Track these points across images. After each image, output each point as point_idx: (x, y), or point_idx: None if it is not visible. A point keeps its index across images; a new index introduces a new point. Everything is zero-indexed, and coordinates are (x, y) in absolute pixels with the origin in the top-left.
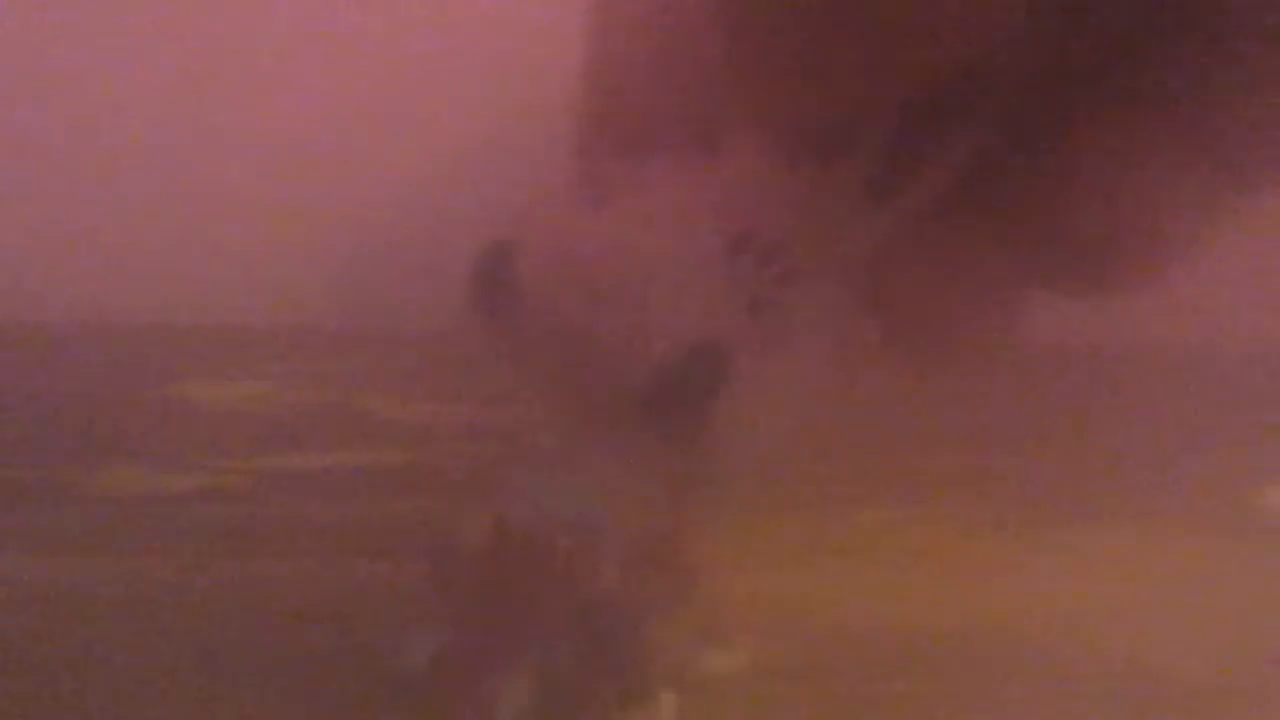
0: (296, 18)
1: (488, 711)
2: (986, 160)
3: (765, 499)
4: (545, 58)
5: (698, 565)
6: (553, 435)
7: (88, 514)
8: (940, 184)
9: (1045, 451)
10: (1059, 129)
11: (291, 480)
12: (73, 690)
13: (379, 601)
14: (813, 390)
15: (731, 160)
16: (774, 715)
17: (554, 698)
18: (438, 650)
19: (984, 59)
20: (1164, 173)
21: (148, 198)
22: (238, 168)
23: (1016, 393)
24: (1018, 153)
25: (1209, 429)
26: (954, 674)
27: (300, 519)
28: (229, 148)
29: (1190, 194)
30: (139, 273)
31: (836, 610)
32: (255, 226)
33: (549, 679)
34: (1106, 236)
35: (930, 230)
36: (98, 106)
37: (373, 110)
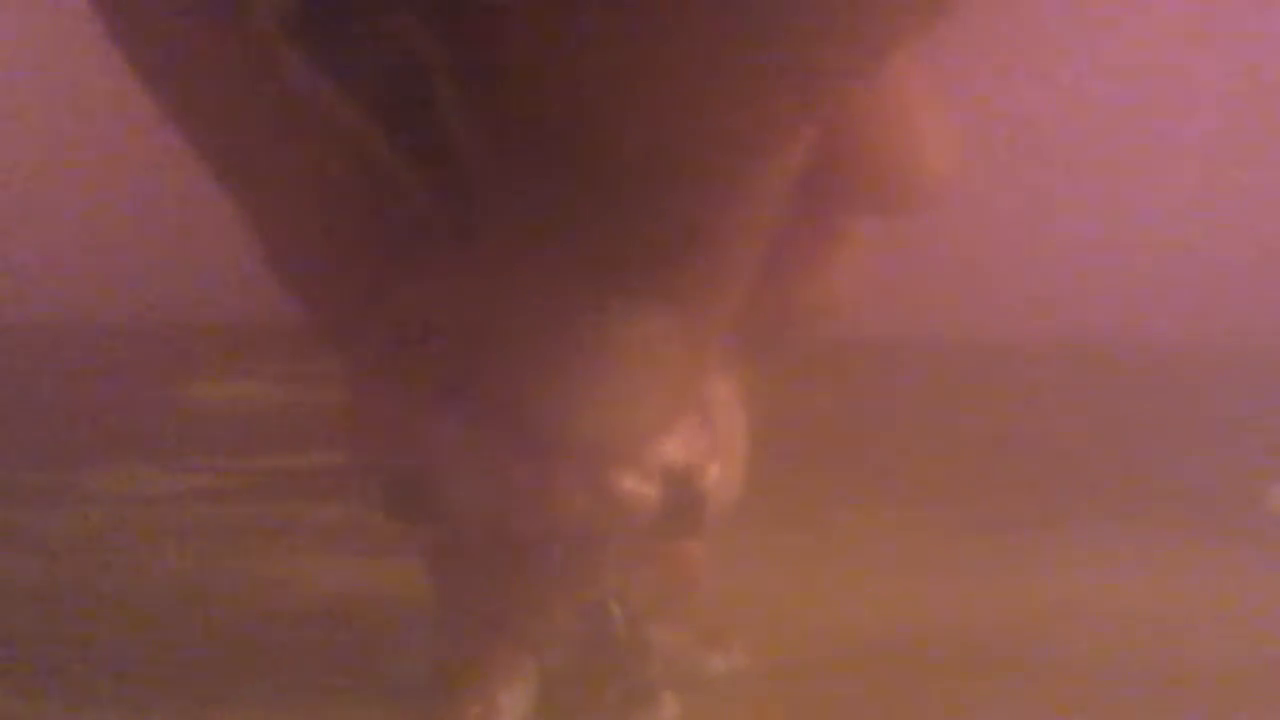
0: None
1: (488, 712)
2: None
3: (765, 500)
4: None
5: (698, 565)
6: None
7: (88, 514)
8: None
9: (1044, 453)
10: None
11: (291, 480)
12: (73, 689)
13: (379, 601)
14: None
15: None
16: (774, 715)
17: (554, 698)
18: (438, 650)
19: None
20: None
21: (147, 199)
22: None
23: (1015, 395)
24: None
25: (1212, 429)
26: (953, 673)
27: (300, 519)
28: None
29: None
30: (139, 273)
31: (835, 610)
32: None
33: (549, 679)
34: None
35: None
36: (99, 112)
37: None
